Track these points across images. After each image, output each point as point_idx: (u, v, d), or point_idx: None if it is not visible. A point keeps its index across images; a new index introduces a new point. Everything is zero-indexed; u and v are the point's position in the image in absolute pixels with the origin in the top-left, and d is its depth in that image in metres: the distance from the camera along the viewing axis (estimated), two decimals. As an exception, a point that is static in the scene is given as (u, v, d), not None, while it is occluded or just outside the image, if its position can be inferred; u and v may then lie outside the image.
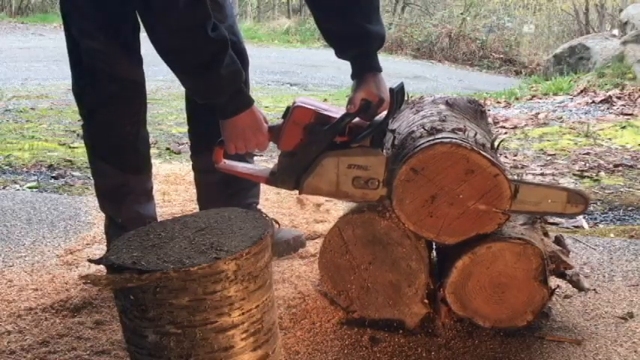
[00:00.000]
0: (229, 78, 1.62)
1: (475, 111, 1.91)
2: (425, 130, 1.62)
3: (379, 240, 1.63)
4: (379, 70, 1.77)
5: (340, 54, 1.82)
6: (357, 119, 1.68)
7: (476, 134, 1.63)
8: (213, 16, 1.58)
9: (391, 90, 1.65)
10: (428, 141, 1.56)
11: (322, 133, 1.64)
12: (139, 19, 1.73)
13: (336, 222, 1.68)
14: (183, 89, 1.91)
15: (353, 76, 1.78)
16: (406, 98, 1.87)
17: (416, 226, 1.58)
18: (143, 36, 1.75)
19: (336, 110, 1.68)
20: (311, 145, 1.65)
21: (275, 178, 1.73)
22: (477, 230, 1.57)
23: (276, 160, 1.75)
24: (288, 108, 1.68)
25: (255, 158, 2.20)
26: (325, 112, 1.65)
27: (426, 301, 1.65)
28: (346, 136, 1.65)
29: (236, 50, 1.89)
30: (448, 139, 1.54)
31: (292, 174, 1.69)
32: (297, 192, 1.73)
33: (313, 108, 1.66)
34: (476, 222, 1.56)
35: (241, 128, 1.68)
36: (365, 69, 1.76)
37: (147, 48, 1.80)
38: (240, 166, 1.83)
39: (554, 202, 1.61)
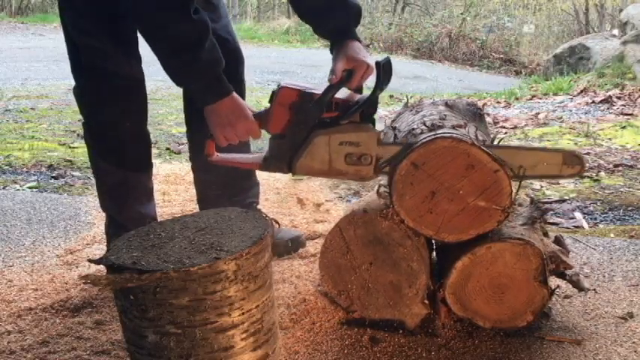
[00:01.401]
0: (209, 63, 1.61)
1: (474, 113, 1.91)
2: (426, 126, 1.63)
3: (380, 240, 1.63)
4: (358, 39, 1.74)
5: (318, 29, 1.81)
6: (345, 93, 1.66)
7: (477, 129, 1.64)
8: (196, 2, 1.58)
9: (377, 63, 1.62)
10: (429, 136, 1.56)
11: (309, 111, 1.61)
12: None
13: (337, 222, 1.67)
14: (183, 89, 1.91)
15: (332, 49, 1.76)
16: (406, 101, 1.86)
17: (415, 222, 1.58)
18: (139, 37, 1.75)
19: (322, 88, 1.66)
20: (299, 124, 1.63)
21: (268, 163, 1.70)
22: (477, 227, 1.56)
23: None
24: (273, 92, 1.67)
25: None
26: (310, 90, 1.63)
27: (426, 301, 1.65)
28: (335, 111, 1.63)
29: (230, 49, 1.89)
30: (449, 134, 1.54)
31: (284, 156, 1.66)
32: (291, 184, 1.71)
33: (297, 87, 1.64)
34: (475, 219, 1.56)
35: (224, 115, 1.66)
36: (343, 38, 1.73)
37: (148, 49, 1.80)
38: (233, 157, 1.81)
39: (549, 165, 1.60)
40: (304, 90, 1.63)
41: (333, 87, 1.63)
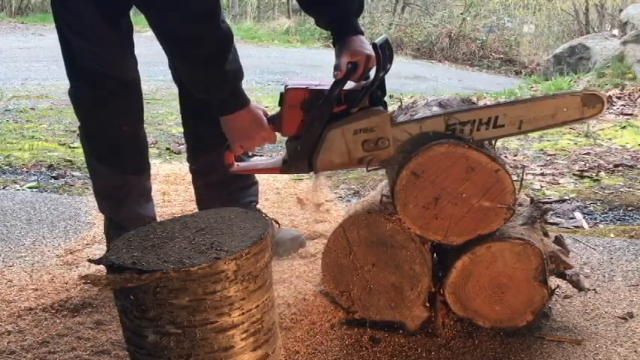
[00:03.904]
0: (232, 74, 1.62)
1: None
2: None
3: (384, 242, 1.62)
4: (361, 32, 1.74)
5: (320, 21, 1.81)
6: (351, 85, 1.66)
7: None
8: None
9: (374, 45, 1.62)
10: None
11: (319, 108, 1.62)
12: (133, 17, 1.71)
13: (341, 222, 1.67)
14: (181, 89, 1.90)
15: (334, 42, 1.75)
16: (400, 103, 1.85)
17: (422, 229, 1.58)
18: (139, 36, 1.74)
19: (328, 82, 1.66)
20: (312, 122, 1.63)
21: (288, 166, 1.70)
22: (484, 227, 1.56)
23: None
24: (281, 94, 1.67)
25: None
26: (317, 87, 1.64)
27: (427, 304, 1.64)
28: (344, 103, 1.63)
29: None
30: (445, 139, 1.54)
31: (303, 156, 1.66)
32: (310, 181, 1.71)
33: (304, 86, 1.64)
34: (482, 220, 1.55)
35: (242, 128, 1.68)
36: (345, 32, 1.73)
37: (148, 49, 1.79)
38: (253, 164, 1.83)
39: (569, 110, 1.59)
40: (312, 88, 1.64)
41: (339, 82, 1.63)
